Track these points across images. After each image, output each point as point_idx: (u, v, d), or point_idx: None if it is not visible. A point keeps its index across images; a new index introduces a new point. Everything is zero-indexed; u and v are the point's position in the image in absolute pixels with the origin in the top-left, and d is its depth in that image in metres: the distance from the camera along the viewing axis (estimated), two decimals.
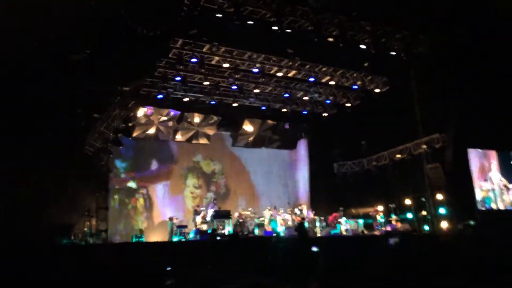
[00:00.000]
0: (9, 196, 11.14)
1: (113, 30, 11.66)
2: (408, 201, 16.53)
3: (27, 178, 11.84)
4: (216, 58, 14.30)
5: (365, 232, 16.05)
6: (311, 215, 16.86)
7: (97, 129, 14.86)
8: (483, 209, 15.35)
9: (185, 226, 14.87)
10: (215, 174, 18.80)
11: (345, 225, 16.08)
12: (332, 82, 16.34)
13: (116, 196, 16.40)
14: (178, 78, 14.76)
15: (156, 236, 15.71)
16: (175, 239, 14.17)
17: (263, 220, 15.97)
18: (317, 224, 16.27)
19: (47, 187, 12.45)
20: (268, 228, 15.50)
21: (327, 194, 18.66)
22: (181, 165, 18.17)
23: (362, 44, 13.76)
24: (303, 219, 15.90)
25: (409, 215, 16.42)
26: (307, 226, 15.45)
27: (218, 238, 13.26)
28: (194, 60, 13.74)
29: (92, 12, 10.58)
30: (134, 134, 16.44)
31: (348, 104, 17.86)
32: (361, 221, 16.41)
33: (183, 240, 14.06)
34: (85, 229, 14.07)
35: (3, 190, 11.11)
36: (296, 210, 16.96)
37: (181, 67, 14.31)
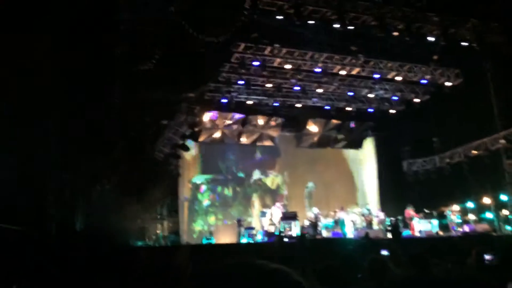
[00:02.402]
0: (90, 196, 11.72)
1: (177, 38, 12.06)
2: (487, 200, 15.48)
3: (108, 180, 12.40)
4: (278, 60, 14.31)
5: (441, 233, 15.22)
6: (381, 215, 16.30)
7: (166, 135, 15.43)
8: None
9: (253, 228, 15.03)
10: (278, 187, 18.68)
11: (417, 226, 15.37)
12: (398, 78, 15.73)
13: (187, 198, 16.99)
14: (241, 82, 14.96)
15: (224, 238, 15.99)
16: (243, 240, 14.34)
17: (331, 221, 15.67)
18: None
19: (123, 191, 13.03)
20: (337, 229, 15.19)
21: (396, 193, 17.98)
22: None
23: (429, 36, 13.11)
24: (371, 220, 15.42)
25: (489, 215, 15.36)
26: (377, 228, 15.02)
27: (286, 240, 13.23)
28: (256, 63, 13.85)
29: (156, 23, 11.03)
30: (201, 139, 16.88)
31: (417, 100, 17.09)
32: (435, 221, 15.56)
33: (252, 242, 14.19)
34: (158, 231, 14.64)
35: (86, 189, 11.69)
36: (365, 211, 16.46)
37: (243, 70, 14.49)
